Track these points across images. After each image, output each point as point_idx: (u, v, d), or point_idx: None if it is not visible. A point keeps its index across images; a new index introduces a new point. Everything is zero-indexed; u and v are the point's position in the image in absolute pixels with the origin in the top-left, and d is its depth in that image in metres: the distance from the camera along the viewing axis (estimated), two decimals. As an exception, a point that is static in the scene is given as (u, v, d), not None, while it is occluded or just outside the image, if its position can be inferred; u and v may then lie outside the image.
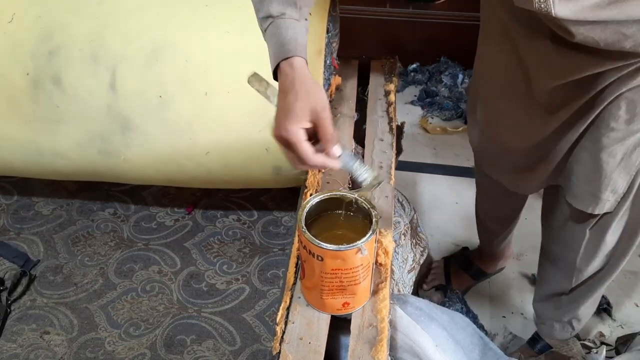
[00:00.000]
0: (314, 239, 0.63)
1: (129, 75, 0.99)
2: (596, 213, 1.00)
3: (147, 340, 1.00)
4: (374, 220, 0.66)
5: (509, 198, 1.23)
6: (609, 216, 1.00)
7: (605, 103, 0.88)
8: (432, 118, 1.90)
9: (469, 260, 1.45)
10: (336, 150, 0.68)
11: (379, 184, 0.70)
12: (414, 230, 1.28)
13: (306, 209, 0.68)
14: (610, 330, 1.27)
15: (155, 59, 0.97)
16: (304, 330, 0.69)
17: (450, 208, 1.60)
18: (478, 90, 1.05)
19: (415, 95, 2.00)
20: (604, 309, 1.29)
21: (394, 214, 1.18)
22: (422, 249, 1.29)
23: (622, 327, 1.28)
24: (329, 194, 0.70)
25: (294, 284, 0.75)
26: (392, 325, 0.75)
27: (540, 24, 0.81)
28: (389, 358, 0.70)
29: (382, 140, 0.98)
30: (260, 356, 0.97)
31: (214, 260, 1.15)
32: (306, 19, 0.73)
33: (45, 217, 1.25)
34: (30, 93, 1.01)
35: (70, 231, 1.22)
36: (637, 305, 1.34)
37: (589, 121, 0.91)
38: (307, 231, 0.64)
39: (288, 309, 0.72)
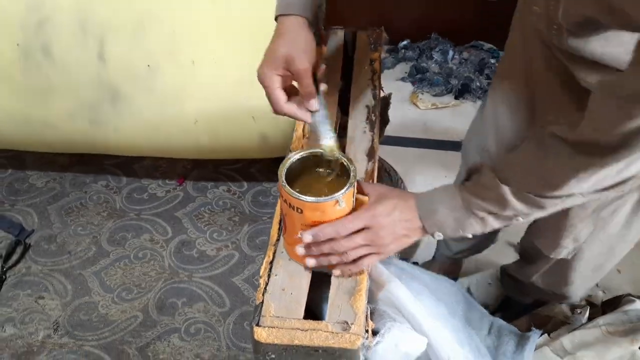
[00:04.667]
0: (293, 191, 0.66)
1: (117, 45, 1.00)
2: (552, 257, 1.01)
3: (140, 304, 1.03)
4: (352, 174, 0.68)
5: None
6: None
7: None
8: (422, 94, 1.92)
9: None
10: (312, 103, 0.69)
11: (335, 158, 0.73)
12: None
13: (287, 165, 0.70)
14: (591, 295, 1.30)
15: (142, 28, 0.99)
16: (286, 282, 0.72)
17: (439, 182, 1.62)
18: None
19: (406, 72, 2.01)
20: (587, 275, 1.33)
21: (380, 180, 1.21)
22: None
23: (604, 292, 1.32)
24: (310, 151, 0.73)
25: (278, 240, 0.77)
26: (372, 279, 0.78)
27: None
28: (369, 308, 0.73)
29: (366, 107, 1.00)
30: (249, 317, 1.00)
31: (204, 228, 1.17)
32: None
33: (39, 189, 1.28)
34: (20, 64, 1.03)
35: (63, 202, 1.24)
36: (619, 272, 1.37)
37: None
38: (286, 185, 0.67)
39: (271, 262, 0.75)
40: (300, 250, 0.69)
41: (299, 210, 0.67)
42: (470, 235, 0.67)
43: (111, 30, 1.00)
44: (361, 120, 0.98)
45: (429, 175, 1.64)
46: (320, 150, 0.72)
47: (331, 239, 0.67)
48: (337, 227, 0.66)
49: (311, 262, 0.70)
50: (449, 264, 1.45)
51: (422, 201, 0.68)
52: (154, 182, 1.29)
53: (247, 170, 1.31)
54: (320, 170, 0.74)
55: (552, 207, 0.63)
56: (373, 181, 0.86)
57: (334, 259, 0.69)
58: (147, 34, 0.99)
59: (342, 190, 0.65)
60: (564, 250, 0.98)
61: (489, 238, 1.34)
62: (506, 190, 0.62)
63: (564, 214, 0.92)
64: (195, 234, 1.16)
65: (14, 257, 1.12)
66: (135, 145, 1.14)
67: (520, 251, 1.26)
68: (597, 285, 1.32)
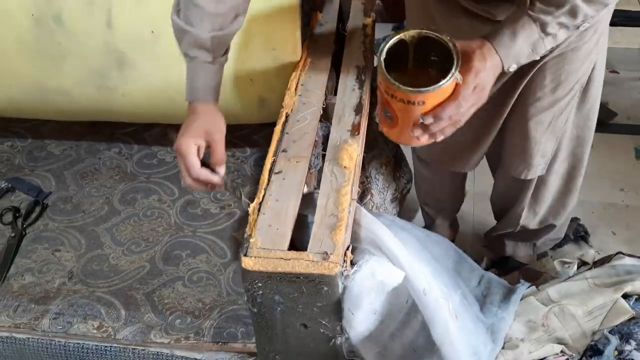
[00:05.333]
0: (413, 89, 0.67)
1: (123, 12, 1.07)
2: (529, 178, 1.09)
3: (147, 255, 1.10)
4: (450, 45, 0.68)
5: (448, 179, 1.31)
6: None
7: (531, 74, 0.94)
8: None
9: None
10: (223, 169, 0.83)
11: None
12: (397, 164, 1.36)
13: (384, 68, 0.70)
14: (583, 254, 1.33)
15: (146, -5, 1.05)
16: (273, 220, 0.78)
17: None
18: None
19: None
20: (581, 237, 1.36)
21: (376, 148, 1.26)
22: (405, 181, 1.37)
23: (598, 253, 1.35)
24: (392, 42, 0.71)
25: (268, 183, 0.83)
26: (356, 222, 0.83)
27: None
28: (351, 244, 0.78)
29: (356, 67, 1.05)
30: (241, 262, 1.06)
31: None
32: (223, 55, 0.86)
33: (56, 156, 1.36)
34: (34, 32, 1.10)
35: (78, 168, 1.32)
36: (614, 234, 1.40)
37: (517, 93, 0.98)
38: (404, 86, 0.67)
39: (260, 203, 0.81)
40: (416, 132, 0.73)
41: (421, 103, 0.69)
42: (539, 56, 0.74)
43: (118, -2, 1.06)
44: (351, 79, 1.03)
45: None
46: (401, 37, 0.72)
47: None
48: (458, 102, 0.70)
49: (424, 138, 0.75)
50: (447, 227, 1.49)
51: (501, 41, 0.73)
52: (163, 149, 1.36)
53: (250, 137, 1.37)
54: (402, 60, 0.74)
55: (613, 2, 0.71)
56: (359, 133, 0.91)
57: (448, 130, 0.74)
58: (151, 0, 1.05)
59: (455, 67, 0.68)
60: (538, 168, 1.07)
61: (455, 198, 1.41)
62: None
63: (525, 136, 1.01)
64: (200, 194, 1.23)
65: (33, 216, 1.20)
66: (143, 110, 1.21)
67: (495, 209, 1.32)
68: (590, 245, 1.35)
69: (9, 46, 1.12)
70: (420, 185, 1.41)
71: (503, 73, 0.75)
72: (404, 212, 1.40)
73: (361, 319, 0.75)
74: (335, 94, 1.05)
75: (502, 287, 1.09)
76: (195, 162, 0.80)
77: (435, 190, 1.39)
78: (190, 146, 0.80)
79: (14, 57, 1.13)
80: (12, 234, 1.15)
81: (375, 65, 0.78)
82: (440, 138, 0.75)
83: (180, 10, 0.81)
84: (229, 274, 1.05)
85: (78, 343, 0.97)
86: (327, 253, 0.72)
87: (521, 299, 1.05)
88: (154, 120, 1.27)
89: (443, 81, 0.68)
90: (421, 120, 0.71)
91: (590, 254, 1.30)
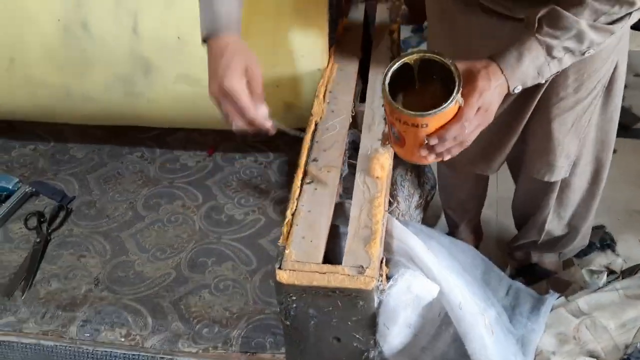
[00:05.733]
0: (416, 113, 0.67)
1: (149, 19, 1.07)
2: (553, 180, 1.08)
3: (173, 262, 1.10)
4: (452, 68, 0.68)
5: (472, 181, 1.30)
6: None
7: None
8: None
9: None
10: (263, 108, 0.77)
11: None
12: (422, 170, 1.34)
13: (388, 92, 0.70)
14: (611, 262, 1.31)
15: (172, 0, 1.05)
16: (306, 232, 0.77)
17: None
18: None
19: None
20: (608, 245, 1.34)
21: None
22: (430, 187, 1.36)
23: (625, 262, 1.33)
24: (396, 65, 0.71)
25: (299, 195, 0.83)
26: (388, 233, 0.82)
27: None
28: (384, 256, 0.77)
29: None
30: (275, 275, 1.06)
31: (232, 195, 1.23)
32: None
33: (79, 160, 1.36)
34: (61, 39, 1.10)
35: (102, 172, 1.32)
36: (641, 242, 1.38)
37: (539, 94, 0.97)
38: (406, 110, 0.68)
39: (293, 214, 0.80)
40: (423, 152, 0.73)
41: (424, 125, 0.69)
42: (544, 80, 0.74)
43: (144, 3, 1.06)
44: (379, 85, 1.02)
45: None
46: (405, 60, 0.72)
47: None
48: (462, 124, 0.70)
49: (431, 157, 0.75)
50: (470, 232, 1.48)
51: (506, 62, 0.72)
52: (186, 153, 1.36)
53: (273, 142, 1.36)
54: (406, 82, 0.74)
55: (619, 29, 0.71)
56: (389, 143, 0.90)
57: (455, 150, 0.73)
58: (177, 5, 1.05)
59: (456, 91, 0.67)
60: (562, 170, 1.06)
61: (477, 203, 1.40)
62: (584, 24, 0.69)
63: (548, 137, 1.00)
64: (224, 199, 1.22)
65: (57, 221, 1.20)
66: (168, 115, 1.21)
67: (517, 216, 1.30)
68: (617, 254, 1.33)
69: (35, 53, 1.12)
70: (444, 189, 1.40)
71: (509, 94, 0.74)
72: (427, 219, 1.39)
73: (396, 334, 0.74)
74: (362, 100, 1.04)
75: (531, 298, 1.08)
76: (250, 102, 0.74)
77: (459, 193, 1.38)
78: (242, 85, 0.72)
79: (40, 63, 1.13)
80: (38, 239, 1.15)
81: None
82: (447, 157, 0.74)
83: None
84: (255, 282, 1.05)
85: (106, 351, 0.97)
86: (362, 267, 0.71)
87: (550, 310, 1.04)
88: (179, 125, 1.27)
89: (444, 105, 0.68)
90: (426, 141, 0.71)
91: (618, 263, 1.28)
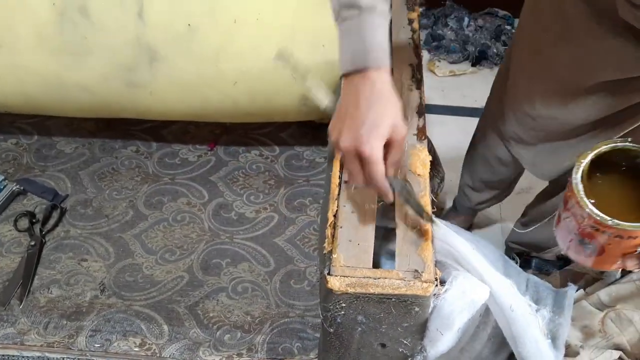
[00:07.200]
0: (630, 224, 0.57)
1: (157, 2, 0.99)
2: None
3: (184, 264, 1.04)
4: None
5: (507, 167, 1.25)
6: None
7: None
8: (440, 61, 1.92)
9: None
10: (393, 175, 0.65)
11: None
12: (432, 164, 1.32)
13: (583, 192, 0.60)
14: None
15: (183, -15, 0.97)
16: (352, 234, 0.73)
17: (459, 146, 1.64)
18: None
19: (422, 40, 2.01)
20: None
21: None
22: (439, 180, 1.33)
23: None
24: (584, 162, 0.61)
25: (339, 194, 0.78)
26: (430, 232, 0.79)
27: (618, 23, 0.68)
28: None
29: (410, 66, 1.00)
30: (295, 275, 1.01)
31: (240, 191, 1.18)
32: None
33: (68, 155, 1.27)
34: (57, 24, 1.01)
35: (95, 168, 1.23)
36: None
37: None
38: (625, 223, 0.57)
39: (335, 215, 0.75)
40: (630, 263, 0.63)
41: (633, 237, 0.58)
42: None
43: (152, -13, 0.98)
44: (407, 78, 0.98)
45: (447, 141, 1.66)
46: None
47: None
48: None
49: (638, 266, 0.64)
50: (466, 216, 1.47)
51: None
52: (185, 147, 1.29)
53: (277, 135, 1.31)
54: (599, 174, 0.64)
55: None
56: (425, 137, 0.87)
57: None
58: (188, -9, 0.97)
59: None
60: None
61: (509, 187, 1.37)
62: None
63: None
64: (231, 197, 1.16)
65: (51, 222, 1.11)
66: (170, 108, 1.13)
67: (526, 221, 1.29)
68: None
69: (26, 39, 1.02)
70: (475, 168, 1.35)
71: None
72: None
73: (448, 339, 0.72)
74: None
75: (551, 291, 1.07)
76: (383, 177, 0.63)
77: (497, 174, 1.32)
78: (381, 151, 0.61)
79: (32, 51, 1.03)
80: (32, 242, 1.06)
81: (572, 183, 0.63)
82: None
83: None
84: (276, 284, 1.00)
85: (120, 362, 0.91)
86: (417, 271, 0.68)
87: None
88: (181, 118, 1.19)
89: None
90: (638, 251, 0.61)
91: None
